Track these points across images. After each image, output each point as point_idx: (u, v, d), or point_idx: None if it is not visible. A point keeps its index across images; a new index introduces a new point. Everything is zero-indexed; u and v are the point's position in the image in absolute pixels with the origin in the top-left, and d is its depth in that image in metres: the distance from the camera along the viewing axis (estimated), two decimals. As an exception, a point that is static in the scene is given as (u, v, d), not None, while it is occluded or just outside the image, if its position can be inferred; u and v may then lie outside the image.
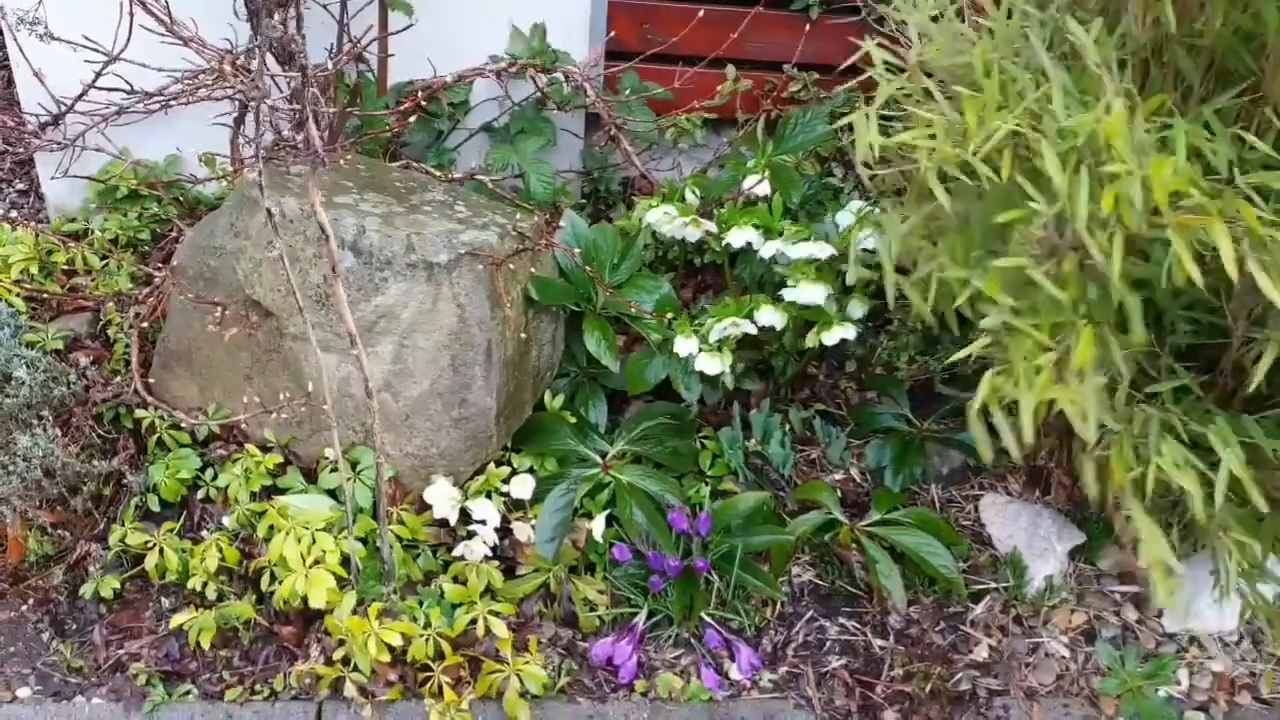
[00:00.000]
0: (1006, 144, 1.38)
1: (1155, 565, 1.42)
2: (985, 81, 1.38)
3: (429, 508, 1.91)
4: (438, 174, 2.26)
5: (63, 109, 2.32)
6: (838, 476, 2.19)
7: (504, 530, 1.92)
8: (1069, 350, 1.35)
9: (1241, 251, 1.24)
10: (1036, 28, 1.46)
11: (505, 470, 1.98)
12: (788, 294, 1.99)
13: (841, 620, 1.96)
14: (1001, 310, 1.39)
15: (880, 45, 1.69)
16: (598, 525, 1.92)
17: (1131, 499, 1.43)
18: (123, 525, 1.90)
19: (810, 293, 1.95)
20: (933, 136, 1.44)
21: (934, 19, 1.59)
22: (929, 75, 1.58)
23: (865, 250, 1.95)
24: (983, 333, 1.46)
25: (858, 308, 2.04)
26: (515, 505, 1.96)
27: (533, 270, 2.04)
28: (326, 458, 1.95)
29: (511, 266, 1.96)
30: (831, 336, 2.00)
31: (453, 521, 1.91)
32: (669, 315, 2.10)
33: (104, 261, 2.35)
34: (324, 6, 2.22)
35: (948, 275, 1.50)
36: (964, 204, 1.56)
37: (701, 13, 2.35)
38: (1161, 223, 1.27)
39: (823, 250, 1.97)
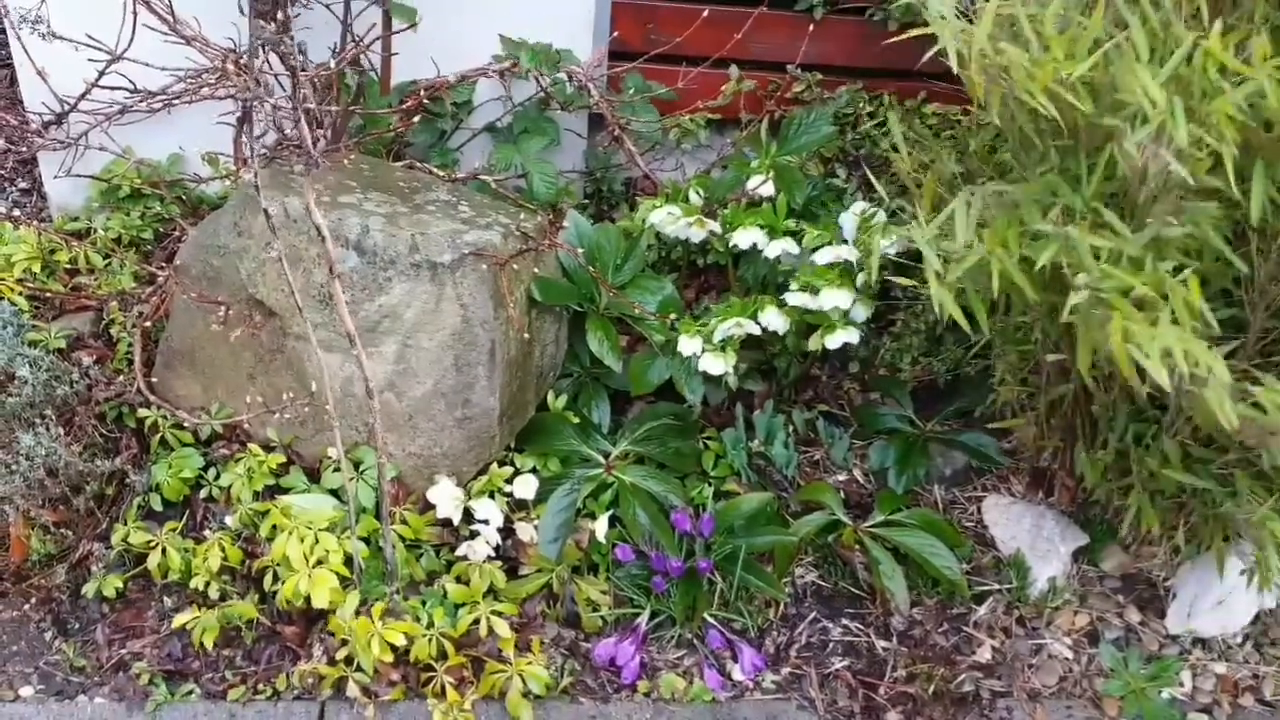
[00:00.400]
0: (1080, 94, 1.38)
1: None
2: (1096, 12, 1.38)
3: (432, 508, 1.91)
4: (441, 174, 2.26)
5: (66, 108, 2.32)
6: (841, 478, 2.18)
7: (507, 530, 1.92)
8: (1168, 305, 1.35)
9: None
10: None
11: (508, 470, 1.98)
12: (791, 298, 1.99)
13: (844, 621, 1.95)
14: (1091, 269, 1.37)
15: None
16: (600, 526, 1.92)
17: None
18: (125, 524, 1.90)
19: (835, 298, 1.95)
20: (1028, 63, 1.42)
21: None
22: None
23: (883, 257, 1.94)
24: (1074, 290, 1.44)
25: (861, 311, 2.04)
26: (518, 505, 1.96)
27: (536, 270, 2.03)
28: (329, 457, 1.95)
29: (515, 267, 1.95)
30: (835, 341, 2.00)
31: (456, 521, 1.91)
32: (672, 316, 2.10)
33: (107, 261, 2.35)
34: (327, 6, 2.21)
35: (1012, 248, 1.46)
36: (1012, 186, 1.54)
37: (705, 13, 2.35)
38: (1272, 138, 1.27)
39: (848, 252, 1.97)
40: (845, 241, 2.05)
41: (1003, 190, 1.51)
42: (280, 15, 1.52)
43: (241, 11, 2.04)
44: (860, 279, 2.05)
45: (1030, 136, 1.55)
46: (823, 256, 1.99)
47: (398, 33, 2.26)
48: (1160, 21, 1.39)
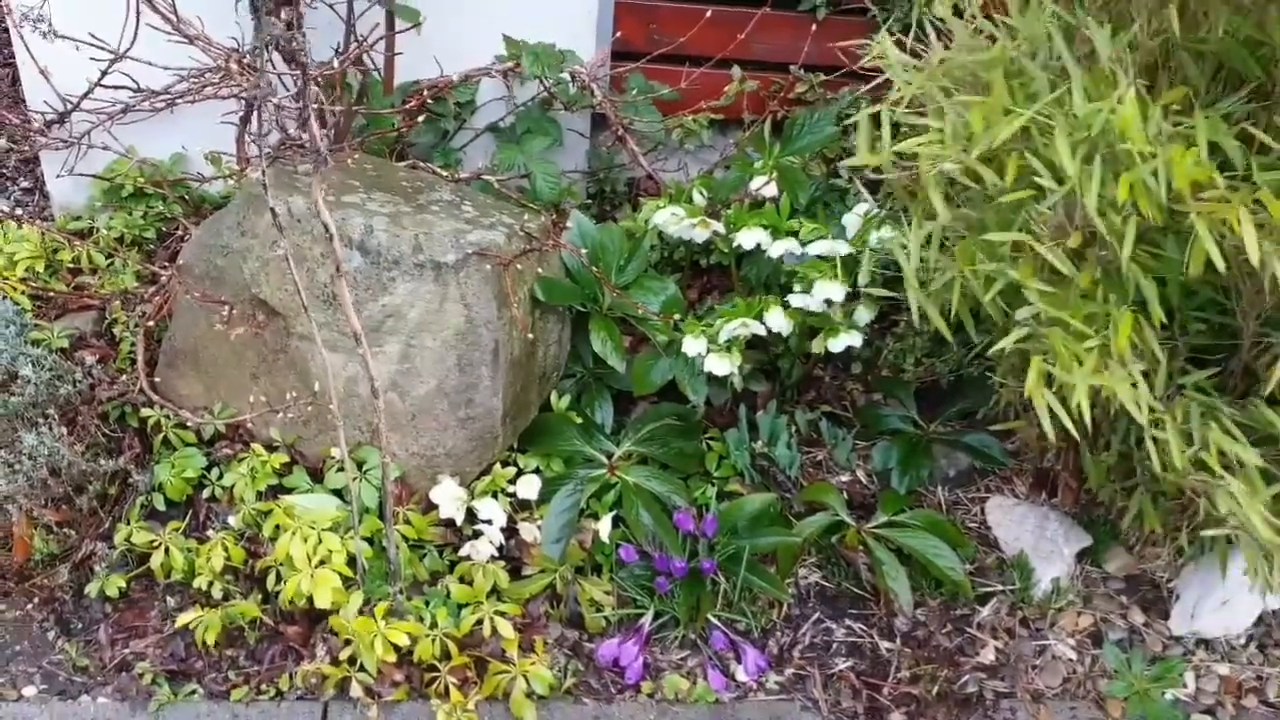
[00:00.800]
0: (1012, 148, 1.39)
1: (1258, 523, 1.42)
2: (997, 82, 1.39)
3: (435, 508, 1.90)
4: (444, 174, 2.26)
5: (68, 107, 2.31)
6: (844, 478, 2.18)
7: (510, 531, 1.92)
8: (1106, 339, 1.36)
9: (1264, 248, 1.24)
10: (1057, 27, 1.47)
11: (511, 471, 1.98)
12: (794, 300, 1.99)
13: (848, 622, 1.95)
14: (1035, 302, 1.39)
15: (897, 43, 1.69)
16: (604, 526, 1.92)
17: (1211, 469, 1.44)
18: (128, 524, 1.90)
19: (827, 290, 1.94)
20: (940, 143, 1.45)
21: (956, 13, 1.59)
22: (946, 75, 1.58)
23: (876, 250, 1.95)
24: (1015, 326, 1.47)
25: (865, 313, 2.04)
26: (521, 506, 1.95)
27: (540, 271, 2.03)
28: (333, 457, 1.95)
29: (519, 267, 1.95)
30: (838, 344, 1.99)
31: (459, 522, 1.91)
32: (675, 316, 2.10)
33: (109, 260, 2.35)
34: (330, 6, 2.21)
35: (979, 270, 1.49)
36: (977, 211, 1.56)
37: (709, 13, 2.35)
38: (1183, 210, 1.28)
39: (841, 247, 1.97)
40: (846, 241, 2.05)
41: (969, 213, 1.53)
42: (286, 13, 1.52)
43: (236, 12, 2.05)
44: (862, 279, 2.05)
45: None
46: (816, 249, 1.99)
47: (401, 32, 2.26)
48: (1093, 79, 1.40)
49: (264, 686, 1.78)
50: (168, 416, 1.99)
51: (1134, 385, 1.37)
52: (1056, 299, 1.42)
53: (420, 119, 2.32)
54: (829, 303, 1.97)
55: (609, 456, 2.06)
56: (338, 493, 1.92)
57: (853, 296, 2.04)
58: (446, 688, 1.74)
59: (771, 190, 2.15)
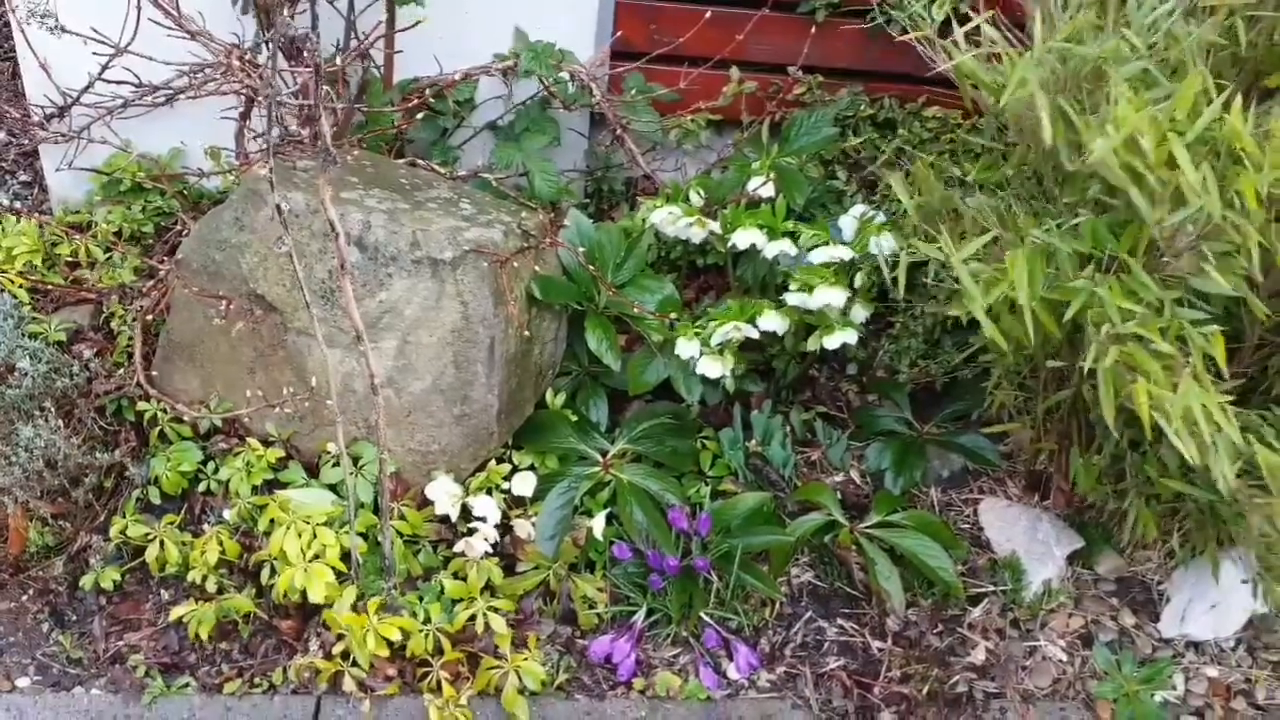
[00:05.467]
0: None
1: None
2: (1193, 77, 1.40)
3: (430, 504, 1.91)
4: (442, 171, 2.26)
5: (68, 101, 2.32)
6: (838, 478, 2.19)
7: (504, 527, 1.93)
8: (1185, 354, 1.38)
9: None
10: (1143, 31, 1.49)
11: (506, 467, 1.98)
12: (790, 298, 1.99)
13: (840, 621, 1.96)
14: (1114, 320, 1.41)
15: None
16: (598, 523, 1.92)
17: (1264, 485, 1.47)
18: (124, 517, 1.91)
19: (828, 296, 1.95)
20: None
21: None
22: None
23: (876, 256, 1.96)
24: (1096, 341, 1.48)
25: (861, 312, 2.05)
26: (516, 502, 1.96)
27: (536, 269, 2.04)
28: (328, 452, 1.96)
29: (515, 264, 1.96)
30: (834, 341, 2.00)
31: (453, 518, 1.91)
32: (671, 315, 2.10)
33: (107, 254, 2.35)
34: (330, 2, 2.22)
35: (1036, 292, 1.49)
36: (1051, 237, 1.57)
37: (708, 14, 2.35)
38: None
39: (844, 253, 1.98)
40: (844, 243, 2.06)
41: (1044, 239, 1.53)
42: (288, 11, 1.53)
43: (232, 5, 2.05)
44: (859, 279, 2.06)
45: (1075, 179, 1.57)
46: (818, 256, 2.00)
47: (403, 31, 2.26)
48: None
49: (257, 680, 1.79)
50: (164, 410, 2.00)
51: (1225, 406, 1.39)
52: (1138, 312, 1.43)
53: (419, 116, 2.32)
54: (828, 305, 1.98)
55: (604, 454, 2.07)
56: (333, 488, 1.93)
57: (850, 294, 2.05)
58: (439, 683, 1.75)
59: (769, 191, 2.16)
